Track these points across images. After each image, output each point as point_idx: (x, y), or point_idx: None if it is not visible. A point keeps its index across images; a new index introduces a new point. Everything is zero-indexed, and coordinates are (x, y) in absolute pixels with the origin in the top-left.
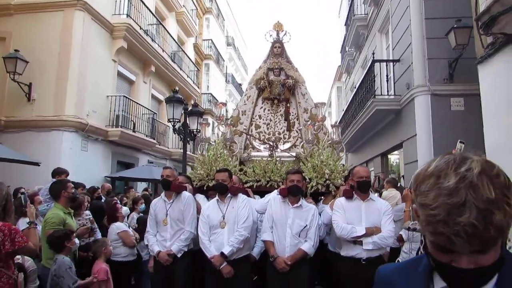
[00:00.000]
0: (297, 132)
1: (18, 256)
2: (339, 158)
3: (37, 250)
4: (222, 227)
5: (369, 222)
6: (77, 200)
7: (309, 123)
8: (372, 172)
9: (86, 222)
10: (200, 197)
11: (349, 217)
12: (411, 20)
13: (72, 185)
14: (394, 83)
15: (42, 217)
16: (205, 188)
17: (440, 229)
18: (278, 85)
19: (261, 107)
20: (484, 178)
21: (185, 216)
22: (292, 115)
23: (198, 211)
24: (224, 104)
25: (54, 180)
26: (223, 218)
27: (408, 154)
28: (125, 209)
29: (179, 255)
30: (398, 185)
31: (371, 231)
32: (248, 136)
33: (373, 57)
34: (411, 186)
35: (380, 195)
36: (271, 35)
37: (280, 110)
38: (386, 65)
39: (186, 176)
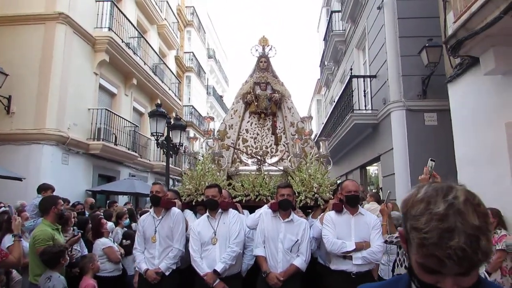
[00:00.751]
0: (284, 146)
1: None
2: (327, 171)
3: (19, 263)
4: (214, 244)
5: (359, 236)
6: (64, 216)
7: (296, 137)
8: None
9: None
10: (188, 213)
11: (339, 231)
12: (386, 38)
13: (62, 202)
14: (372, 98)
15: (28, 233)
16: (193, 203)
17: (433, 251)
18: (264, 99)
19: (248, 121)
20: (469, 206)
21: (174, 233)
22: (279, 129)
23: (186, 227)
24: (212, 119)
25: (39, 195)
26: (214, 234)
27: (385, 167)
28: (110, 225)
29: (167, 273)
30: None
31: (360, 246)
32: (235, 150)
33: (351, 73)
34: (386, 201)
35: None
36: (257, 50)
37: (267, 124)
38: (364, 81)
39: (175, 191)
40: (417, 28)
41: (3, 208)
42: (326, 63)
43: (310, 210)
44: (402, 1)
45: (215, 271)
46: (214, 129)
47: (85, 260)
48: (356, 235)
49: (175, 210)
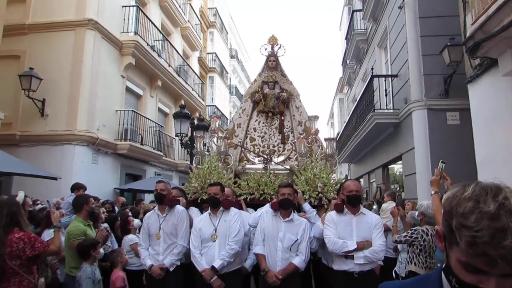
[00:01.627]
0: (291, 145)
1: None
2: (332, 171)
3: (59, 252)
4: (214, 241)
5: (360, 236)
6: (94, 213)
7: (302, 136)
8: (373, 183)
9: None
10: (194, 210)
11: (340, 231)
12: (407, 37)
13: (93, 201)
14: (393, 97)
15: (64, 228)
16: (199, 201)
17: (486, 250)
18: (272, 98)
19: (256, 120)
20: None
21: (178, 230)
22: (287, 128)
23: (190, 224)
24: (219, 117)
25: (73, 194)
26: (215, 232)
27: (407, 166)
28: (137, 222)
29: (171, 269)
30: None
31: (362, 246)
32: (242, 149)
33: (372, 72)
34: (398, 203)
35: (380, 207)
36: (266, 49)
37: (275, 123)
38: (385, 80)
39: (180, 189)
40: (438, 27)
41: (40, 205)
42: (348, 61)
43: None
44: (423, 0)
45: (213, 267)
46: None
47: (114, 254)
48: (357, 234)
49: (179, 207)
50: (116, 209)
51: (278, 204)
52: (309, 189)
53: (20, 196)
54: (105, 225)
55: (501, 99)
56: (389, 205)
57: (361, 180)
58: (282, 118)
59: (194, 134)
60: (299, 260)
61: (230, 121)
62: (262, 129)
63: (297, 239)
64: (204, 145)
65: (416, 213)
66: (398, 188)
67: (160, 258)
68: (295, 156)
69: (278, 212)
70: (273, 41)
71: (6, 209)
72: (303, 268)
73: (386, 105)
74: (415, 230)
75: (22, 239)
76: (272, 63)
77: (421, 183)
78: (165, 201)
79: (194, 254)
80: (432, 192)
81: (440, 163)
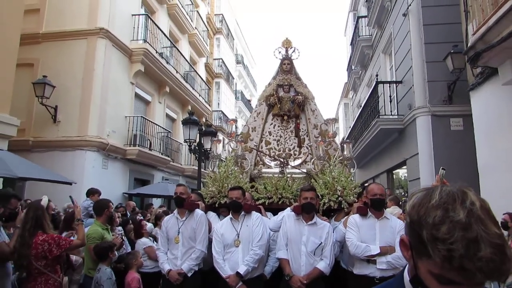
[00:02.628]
0: (307, 148)
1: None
2: (351, 174)
3: (83, 243)
4: (237, 246)
5: (383, 241)
6: (113, 217)
7: (319, 139)
8: None
9: (118, 236)
10: (212, 215)
11: (363, 235)
12: (411, 44)
13: (112, 205)
14: (397, 103)
15: None
16: (216, 205)
17: (463, 264)
18: (288, 102)
19: (271, 124)
20: (485, 212)
21: (197, 235)
22: (302, 131)
23: (209, 229)
24: (235, 121)
25: (88, 199)
26: (238, 237)
27: (411, 171)
28: (149, 226)
29: (189, 275)
30: (400, 202)
31: (385, 250)
32: (258, 153)
33: (377, 79)
34: (404, 211)
35: None
36: (280, 52)
37: (290, 127)
38: (390, 86)
39: (198, 193)
40: (442, 34)
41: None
42: (353, 67)
43: (332, 214)
44: (427, 8)
45: (238, 273)
46: (235, 132)
47: (130, 256)
48: (380, 239)
49: (198, 211)
50: (128, 213)
51: (301, 208)
52: (328, 192)
53: (44, 201)
54: (120, 229)
55: (503, 107)
56: (393, 210)
57: (366, 185)
58: (298, 121)
59: (202, 140)
60: (324, 265)
61: (245, 125)
62: (278, 132)
63: (321, 243)
64: (209, 149)
65: None
66: (403, 193)
67: (178, 262)
68: (312, 160)
69: (301, 216)
70: (287, 44)
71: (32, 213)
72: (328, 273)
73: (391, 111)
74: None
75: (46, 241)
76: (287, 66)
77: None
78: (184, 205)
79: (218, 260)
80: None
81: (440, 170)
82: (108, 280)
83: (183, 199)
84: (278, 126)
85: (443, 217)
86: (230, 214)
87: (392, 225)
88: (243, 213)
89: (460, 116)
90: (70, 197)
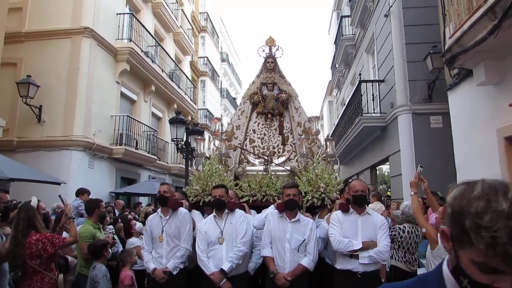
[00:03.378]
0: (291, 146)
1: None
2: (334, 171)
3: (76, 240)
4: (220, 243)
5: (365, 236)
6: (105, 216)
7: (303, 137)
8: None
9: (110, 235)
10: (196, 213)
11: (345, 230)
12: (393, 45)
13: (104, 205)
14: (380, 102)
15: None
16: (200, 203)
17: (507, 251)
18: (271, 100)
19: (255, 122)
20: None
21: (181, 233)
22: (286, 129)
23: (193, 227)
24: (219, 119)
25: (77, 198)
26: (221, 234)
27: (393, 167)
28: (139, 225)
29: (174, 273)
30: (383, 198)
31: (367, 245)
32: (242, 151)
33: (360, 78)
34: (388, 207)
35: None
36: (263, 50)
37: (274, 125)
38: (372, 85)
39: (182, 192)
40: (422, 35)
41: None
42: (337, 65)
43: (317, 210)
44: (407, 9)
45: (222, 270)
46: (220, 130)
47: (124, 254)
48: (362, 234)
49: (182, 210)
50: (116, 212)
51: (284, 205)
52: (311, 189)
53: (34, 201)
54: (111, 227)
55: (477, 107)
56: (375, 206)
57: (350, 181)
58: (282, 119)
59: (189, 139)
60: (307, 261)
61: (229, 123)
62: (262, 130)
63: (305, 239)
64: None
65: (400, 212)
66: (386, 189)
67: (163, 261)
68: (296, 157)
69: (284, 213)
70: (271, 42)
71: (23, 214)
72: (312, 269)
73: (374, 109)
74: (393, 229)
75: (40, 240)
76: (271, 65)
77: (407, 184)
78: (168, 203)
79: (201, 258)
80: (412, 193)
81: (418, 167)
82: (104, 277)
83: (166, 198)
84: (262, 124)
85: (485, 207)
86: (214, 212)
87: (374, 221)
88: (226, 210)
89: (440, 114)
90: (60, 196)
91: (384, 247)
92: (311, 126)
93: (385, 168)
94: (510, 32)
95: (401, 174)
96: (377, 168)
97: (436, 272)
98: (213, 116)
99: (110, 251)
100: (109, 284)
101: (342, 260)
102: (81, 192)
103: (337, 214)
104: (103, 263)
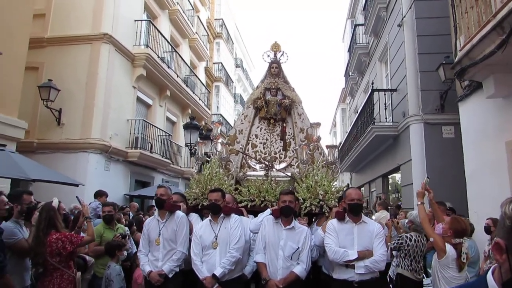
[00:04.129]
0: (293, 152)
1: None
2: (334, 178)
3: (93, 238)
4: (214, 248)
5: (361, 245)
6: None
7: (304, 143)
8: (374, 193)
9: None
10: (194, 217)
11: (341, 240)
12: (405, 54)
13: (108, 209)
14: (392, 111)
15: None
16: (199, 207)
17: None
18: (274, 105)
19: (258, 127)
20: None
21: (178, 236)
22: (288, 135)
23: (191, 231)
24: (221, 123)
25: (95, 200)
26: (216, 239)
27: (405, 177)
28: None
29: (170, 276)
30: (389, 207)
31: (363, 255)
32: (244, 155)
33: (372, 86)
34: (392, 214)
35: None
36: (268, 56)
37: (277, 130)
38: (385, 94)
39: (181, 194)
40: (435, 45)
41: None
42: (350, 73)
43: (315, 217)
44: (421, 19)
45: (214, 275)
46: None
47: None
48: (358, 243)
49: (179, 213)
50: (131, 214)
51: (279, 212)
52: (310, 196)
53: (55, 202)
54: (127, 229)
55: (488, 118)
56: (381, 214)
57: (362, 189)
58: (284, 125)
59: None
60: (300, 269)
61: (232, 128)
62: (264, 135)
63: (298, 247)
64: (206, 154)
65: (406, 221)
66: (399, 197)
67: (159, 264)
68: (297, 163)
69: (279, 220)
70: (275, 48)
71: (44, 214)
72: (304, 277)
73: (386, 118)
74: (400, 237)
75: (59, 239)
76: (275, 70)
77: None
78: (165, 206)
79: (195, 262)
80: (418, 203)
81: (426, 178)
82: (118, 276)
83: (163, 201)
84: (265, 129)
85: None
86: (210, 216)
87: (370, 229)
88: (222, 215)
89: (452, 124)
90: (77, 197)
91: (380, 256)
92: (313, 133)
93: (398, 177)
94: None
95: (412, 183)
96: (389, 176)
97: (479, 283)
98: (227, 121)
99: (125, 253)
100: (122, 283)
101: (338, 269)
102: (99, 194)
103: (332, 223)
104: (117, 263)
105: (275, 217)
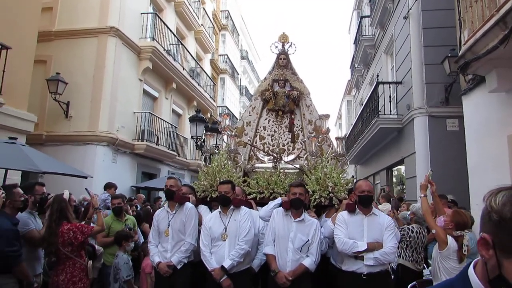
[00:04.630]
0: (301, 144)
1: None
2: (343, 170)
3: (103, 228)
4: (224, 240)
5: (371, 237)
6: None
7: (313, 135)
8: (378, 185)
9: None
10: (203, 208)
11: (351, 231)
12: (411, 47)
13: (117, 201)
14: (397, 103)
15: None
16: (208, 199)
17: None
18: (282, 97)
19: (266, 118)
20: None
21: (186, 228)
22: (297, 127)
23: (200, 222)
24: (229, 115)
25: (105, 192)
26: (225, 231)
27: (408, 169)
28: None
29: (178, 267)
30: (392, 199)
31: (372, 247)
32: (252, 148)
33: (377, 79)
34: (393, 206)
35: None
36: (276, 47)
37: (285, 122)
38: (390, 87)
39: (190, 186)
40: (440, 38)
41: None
42: (356, 65)
43: (323, 210)
44: (427, 12)
45: (222, 267)
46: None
47: (145, 245)
48: (368, 235)
49: (188, 205)
50: (138, 206)
51: (289, 204)
52: (319, 188)
53: (66, 194)
54: (133, 219)
55: (490, 112)
56: (383, 206)
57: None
58: (292, 116)
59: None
60: (309, 261)
61: (240, 119)
62: (272, 127)
63: (308, 240)
64: (215, 145)
65: (408, 213)
66: (403, 189)
67: (168, 255)
68: (305, 155)
69: (289, 212)
70: (284, 39)
71: (56, 205)
72: (314, 270)
73: (391, 111)
74: (402, 228)
75: (71, 229)
76: (283, 61)
77: None
78: (174, 198)
79: (204, 253)
80: (422, 195)
81: (429, 171)
82: (125, 264)
83: (173, 192)
84: (273, 121)
85: None
86: (219, 208)
87: (380, 222)
88: (232, 207)
89: (456, 117)
90: (86, 189)
91: (390, 248)
92: (322, 124)
93: (402, 169)
94: None
95: (416, 176)
96: (393, 169)
97: (461, 280)
98: (232, 113)
99: (132, 244)
100: (130, 271)
101: (347, 261)
102: (108, 186)
103: (342, 214)
104: (125, 252)
105: (285, 209)
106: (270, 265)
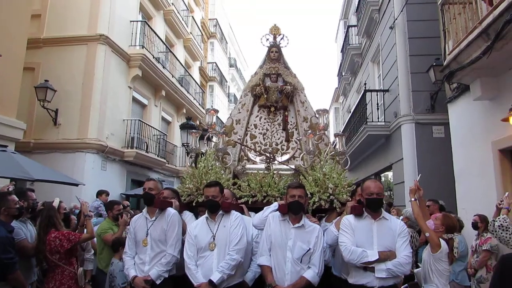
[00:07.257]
0: (296, 142)
1: None
2: (344, 170)
3: (92, 235)
4: (212, 250)
5: (382, 245)
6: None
7: (309, 132)
8: None
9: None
10: (188, 215)
11: (358, 238)
12: (397, 56)
13: (120, 207)
14: (384, 111)
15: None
16: (194, 204)
17: None
18: (275, 92)
19: (257, 116)
20: None
21: (168, 237)
22: (291, 124)
23: (184, 231)
24: (216, 111)
25: (97, 199)
26: (213, 239)
27: (396, 175)
28: None
29: (158, 282)
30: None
31: (385, 256)
32: (242, 147)
33: (365, 87)
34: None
35: None
36: (267, 39)
37: (278, 119)
38: (377, 94)
39: (173, 190)
40: (425, 47)
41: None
42: (343, 73)
43: (323, 214)
44: (412, 22)
45: (210, 281)
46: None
47: None
48: (379, 243)
49: (170, 210)
50: (131, 212)
51: (287, 207)
52: (318, 190)
53: (56, 202)
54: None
55: (475, 120)
56: None
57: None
58: (286, 113)
59: (198, 144)
60: (311, 274)
61: (229, 117)
62: (264, 125)
63: (309, 249)
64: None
65: (401, 218)
66: (391, 195)
67: (145, 268)
68: (301, 155)
69: (287, 217)
70: (275, 31)
71: (45, 213)
72: (317, 283)
73: (378, 118)
74: None
75: (57, 237)
76: (275, 55)
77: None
78: (154, 202)
79: (189, 266)
80: (412, 199)
81: (418, 176)
82: (121, 272)
83: (152, 196)
84: (265, 119)
85: None
86: (206, 213)
87: (392, 227)
88: (221, 212)
89: (442, 124)
90: (77, 197)
91: (404, 258)
92: (319, 121)
93: (390, 175)
94: (503, 52)
95: (403, 181)
96: (381, 175)
97: None
98: (221, 120)
99: None
100: (125, 278)
101: (355, 273)
102: (100, 193)
103: (348, 219)
104: (120, 259)
105: (282, 214)
106: (265, 278)
